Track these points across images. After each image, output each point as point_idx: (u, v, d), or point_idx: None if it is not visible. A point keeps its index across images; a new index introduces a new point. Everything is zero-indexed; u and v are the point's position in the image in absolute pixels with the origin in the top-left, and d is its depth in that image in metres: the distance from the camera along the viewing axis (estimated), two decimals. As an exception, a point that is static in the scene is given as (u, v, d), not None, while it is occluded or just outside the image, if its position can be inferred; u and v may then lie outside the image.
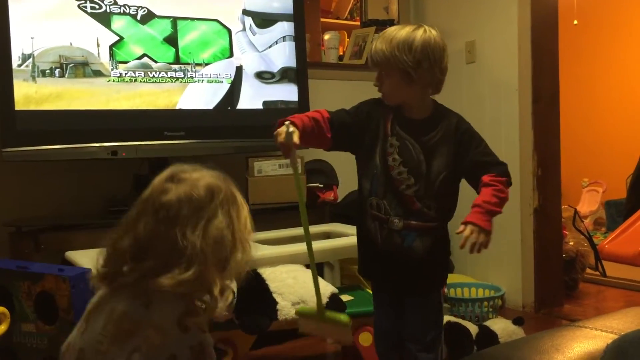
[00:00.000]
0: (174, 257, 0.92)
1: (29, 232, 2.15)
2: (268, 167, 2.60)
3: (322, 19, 3.73)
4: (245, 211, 1.04)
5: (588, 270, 3.38)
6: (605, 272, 3.46)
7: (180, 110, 2.42)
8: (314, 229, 2.50)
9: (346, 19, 4.45)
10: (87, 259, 1.83)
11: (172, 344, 0.92)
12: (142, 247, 0.95)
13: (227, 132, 2.55)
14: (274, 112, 2.65)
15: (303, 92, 2.71)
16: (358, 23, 3.79)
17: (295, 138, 1.36)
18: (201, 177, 1.00)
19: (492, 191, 1.49)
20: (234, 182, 1.07)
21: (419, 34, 1.47)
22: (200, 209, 0.96)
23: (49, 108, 2.19)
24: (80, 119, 2.24)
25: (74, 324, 1.53)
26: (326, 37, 3.39)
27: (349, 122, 1.55)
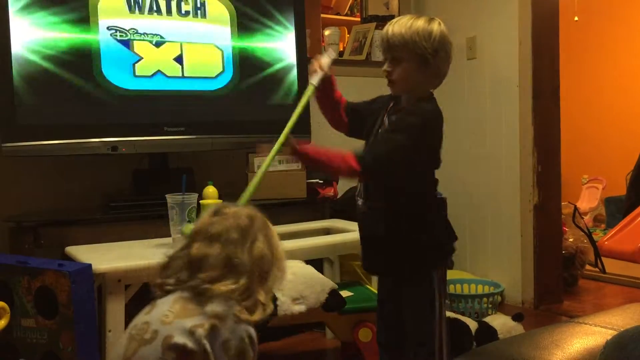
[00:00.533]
0: (227, 271, 1.11)
1: (29, 227, 2.15)
2: (268, 163, 2.59)
3: (322, 15, 3.72)
4: (276, 234, 1.23)
5: (587, 267, 3.39)
6: (604, 269, 3.46)
7: (180, 105, 2.42)
8: (314, 225, 2.50)
9: (346, 15, 4.45)
10: (88, 254, 1.83)
11: (228, 331, 1.06)
12: (197, 263, 1.11)
13: (227, 127, 2.54)
14: (274, 107, 2.65)
15: (303, 87, 2.71)
16: (358, 19, 3.79)
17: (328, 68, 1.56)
18: (240, 210, 1.20)
19: (335, 156, 1.46)
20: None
21: (436, 25, 1.53)
22: (246, 233, 1.15)
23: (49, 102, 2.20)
24: (80, 114, 2.24)
25: (73, 319, 1.54)
26: (326, 32, 3.38)
27: (363, 112, 1.63)
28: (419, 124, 1.49)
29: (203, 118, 2.48)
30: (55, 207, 2.43)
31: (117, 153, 2.29)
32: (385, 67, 1.55)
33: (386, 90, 1.61)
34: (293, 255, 2.03)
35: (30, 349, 1.62)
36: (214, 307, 1.07)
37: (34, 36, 2.14)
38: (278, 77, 2.65)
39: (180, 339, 1.01)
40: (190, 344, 1.01)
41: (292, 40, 2.67)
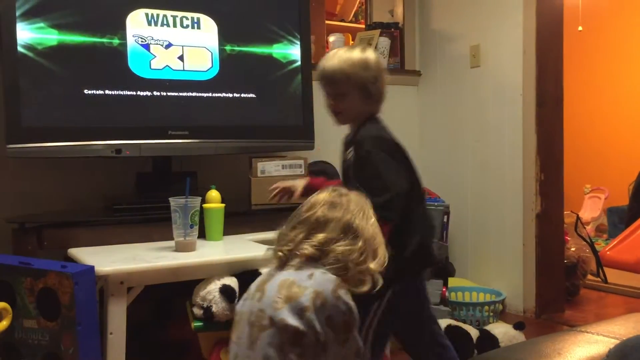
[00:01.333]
0: (344, 235, 1.19)
1: (32, 229, 2.15)
2: (271, 168, 2.60)
3: (327, 22, 3.74)
4: None
5: (589, 277, 3.38)
6: (606, 279, 3.46)
7: (184, 109, 2.43)
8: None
9: (351, 22, 4.46)
10: (90, 256, 1.84)
11: (328, 307, 1.12)
12: (318, 225, 1.20)
13: (231, 132, 2.55)
14: (277, 113, 2.66)
15: (307, 93, 2.72)
16: (363, 26, 3.81)
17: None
18: (353, 193, 1.28)
19: None
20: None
21: (370, 53, 1.59)
22: (363, 208, 1.25)
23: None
24: (84, 117, 2.26)
25: (75, 321, 1.55)
26: (331, 39, 3.40)
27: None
28: (371, 145, 1.50)
29: (207, 122, 2.49)
30: (59, 208, 2.43)
31: (121, 156, 2.29)
32: (329, 101, 1.59)
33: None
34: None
35: (32, 350, 1.62)
36: (315, 282, 1.13)
37: (41, 39, 2.17)
38: (282, 83, 2.66)
39: (293, 321, 1.10)
40: (302, 326, 1.10)
41: (297, 46, 2.68)
